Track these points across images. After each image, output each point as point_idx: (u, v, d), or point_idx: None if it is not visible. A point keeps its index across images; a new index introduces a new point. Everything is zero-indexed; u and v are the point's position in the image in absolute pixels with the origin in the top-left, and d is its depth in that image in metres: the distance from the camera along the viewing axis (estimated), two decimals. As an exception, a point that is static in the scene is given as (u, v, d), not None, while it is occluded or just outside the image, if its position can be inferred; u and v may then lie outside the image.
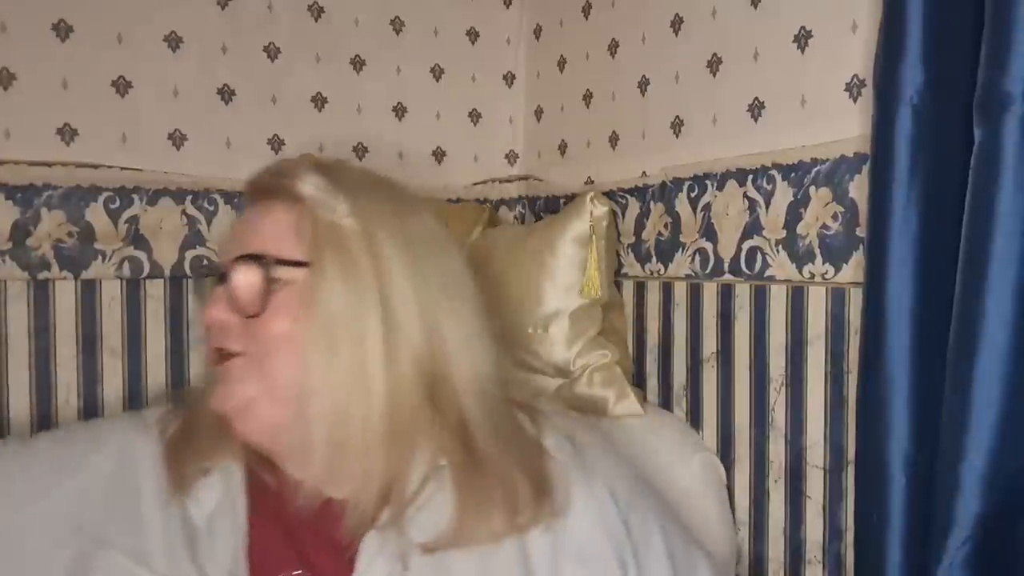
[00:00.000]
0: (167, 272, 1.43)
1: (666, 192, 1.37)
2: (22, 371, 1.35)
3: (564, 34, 1.63)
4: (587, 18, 1.55)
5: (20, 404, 1.35)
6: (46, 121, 1.38)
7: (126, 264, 1.41)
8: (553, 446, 0.86)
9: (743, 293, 1.23)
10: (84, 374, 1.38)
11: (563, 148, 1.63)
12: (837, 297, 1.09)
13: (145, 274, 1.41)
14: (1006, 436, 0.81)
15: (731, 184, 1.24)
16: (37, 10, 1.36)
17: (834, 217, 1.09)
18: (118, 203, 1.41)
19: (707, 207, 1.29)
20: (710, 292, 1.29)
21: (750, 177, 1.21)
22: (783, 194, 1.16)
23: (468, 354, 0.83)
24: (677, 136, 1.35)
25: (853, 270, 1.06)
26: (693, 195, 1.32)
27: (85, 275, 1.39)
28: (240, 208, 1.45)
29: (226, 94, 1.49)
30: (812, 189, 1.12)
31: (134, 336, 1.40)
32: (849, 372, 1.07)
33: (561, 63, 1.63)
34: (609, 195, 1.45)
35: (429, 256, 0.83)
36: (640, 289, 1.44)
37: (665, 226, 1.37)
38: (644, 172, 1.42)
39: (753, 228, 1.21)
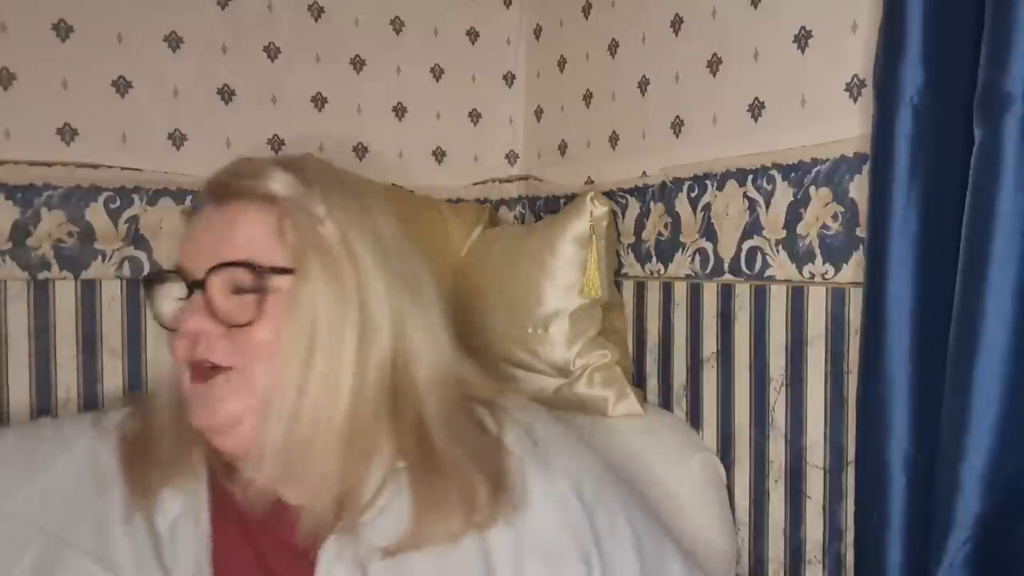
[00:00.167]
0: (167, 272, 1.43)
1: (666, 192, 1.37)
2: (22, 371, 1.35)
3: (564, 34, 1.63)
4: (587, 18, 1.55)
5: (20, 404, 1.35)
6: (46, 121, 1.38)
7: (126, 264, 1.41)
8: (512, 441, 0.85)
9: (743, 293, 1.23)
10: (84, 374, 1.38)
11: (563, 148, 1.63)
12: (837, 297, 1.09)
13: (145, 274, 1.41)
14: (1006, 436, 0.81)
15: (731, 184, 1.24)
16: (37, 10, 1.36)
17: (834, 217, 1.09)
18: (118, 203, 1.41)
19: (707, 207, 1.29)
20: (710, 292, 1.29)
21: (750, 177, 1.21)
22: (783, 194, 1.16)
23: (430, 353, 0.82)
24: (677, 136, 1.35)
25: (853, 270, 1.06)
26: (693, 195, 1.32)
27: (85, 275, 1.39)
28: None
29: (226, 94, 1.49)
30: (812, 189, 1.12)
31: (134, 336, 1.40)
32: (849, 372, 1.07)
33: (561, 63, 1.63)
34: (609, 195, 1.45)
35: (396, 254, 0.82)
36: (640, 289, 1.44)
37: (665, 226, 1.37)
38: (644, 172, 1.42)
39: (753, 228, 1.21)
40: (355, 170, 1.50)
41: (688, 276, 1.33)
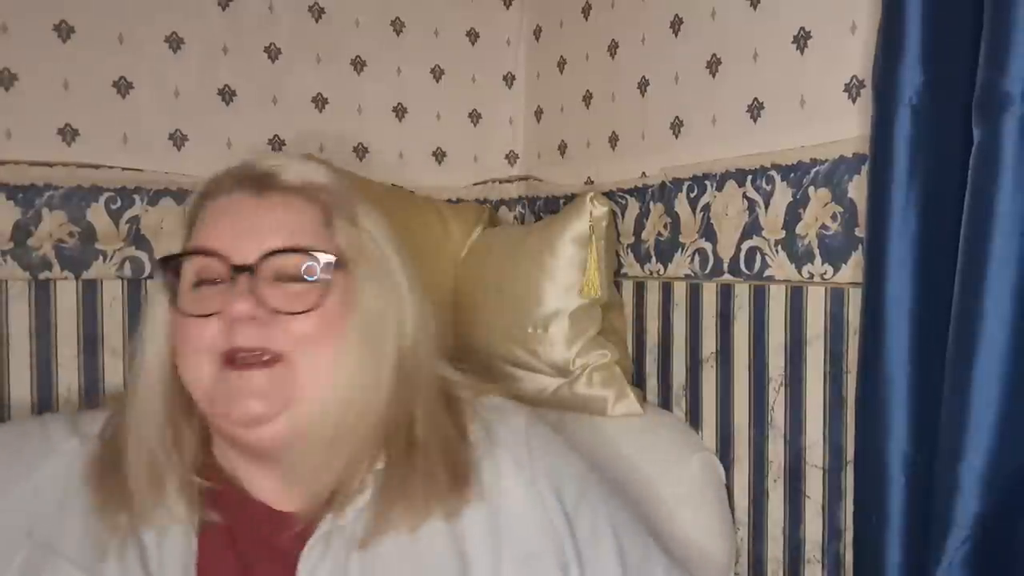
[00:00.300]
0: (168, 272, 1.43)
1: (666, 192, 1.37)
2: (23, 371, 1.35)
3: (564, 35, 1.63)
4: (587, 19, 1.56)
5: (21, 403, 1.35)
6: (47, 121, 1.38)
7: (127, 264, 1.42)
8: (478, 437, 0.85)
9: (742, 293, 1.23)
10: (85, 374, 1.38)
11: (563, 148, 1.64)
12: (836, 297, 1.09)
13: (146, 274, 1.41)
14: (1005, 436, 0.82)
15: (730, 184, 1.25)
16: (38, 11, 1.37)
17: (833, 217, 1.09)
18: (119, 203, 1.41)
19: (706, 207, 1.29)
20: (709, 292, 1.29)
21: (749, 177, 1.21)
22: (782, 194, 1.16)
23: (428, 347, 0.83)
24: (677, 136, 1.35)
25: (852, 270, 1.07)
26: (692, 195, 1.32)
27: (86, 275, 1.39)
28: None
29: (227, 94, 1.50)
30: (811, 189, 1.12)
31: (134, 335, 1.40)
32: (848, 372, 1.07)
33: (561, 64, 1.64)
34: (609, 195, 1.45)
35: (408, 256, 0.84)
36: (640, 289, 1.44)
37: (665, 226, 1.38)
38: (644, 172, 1.42)
39: (752, 228, 1.21)
40: (355, 170, 1.51)
41: (687, 276, 1.33)
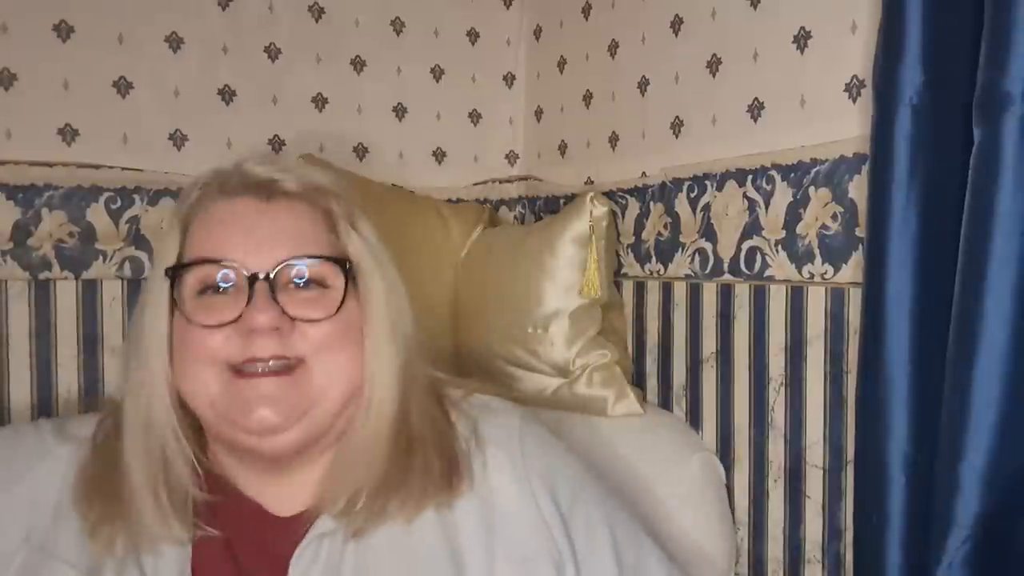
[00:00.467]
0: (168, 272, 1.43)
1: (666, 192, 1.37)
2: (23, 371, 1.35)
3: (564, 35, 1.63)
4: (587, 19, 1.56)
5: (21, 404, 1.35)
6: (47, 121, 1.38)
7: (127, 264, 1.42)
8: (464, 433, 0.85)
9: (743, 293, 1.23)
10: (85, 374, 1.38)
11: (563, 148, 1.64)
12: (836, 297, 1.09)
13: (146, 274, 1.41)
14: (1005, 436, 0.82)
15: (731, 184, 1.25)
16: (38, 11, 1.37)
17: (833, 217, 1.09)
18: (119, 203, 1.41)
19: (707, 207, 1.29)
20: (710, 292, 1.29)
21: (749, 177, 1.21)
22: (782, 194, 1.16)
23: (416, 337, 0.83)
24: (677, 136, 1.35)
25: (852, 270, 1.07)
26: (693, 195, 1.32)
27: (86, 275, 1.39)
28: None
29: (227, 94, 1.50)
30: (811, 189, 1.12)
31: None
32: (848, 372, 1.07)
33: (561, 63, 1.64)
34: (609, 195, 1.45)
35: (385, 243, 0.84)
36: (640, 289, 1.44)
37: (665, 226, 1.38)
38: (644, 172, 1.42)
39: (752, 228, 1.21)
40: (355, 170, 1.51)
41: (688, 276, 1.33)
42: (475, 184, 1.73)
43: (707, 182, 1.29)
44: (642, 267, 1.43)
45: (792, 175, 1.15)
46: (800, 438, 1.14)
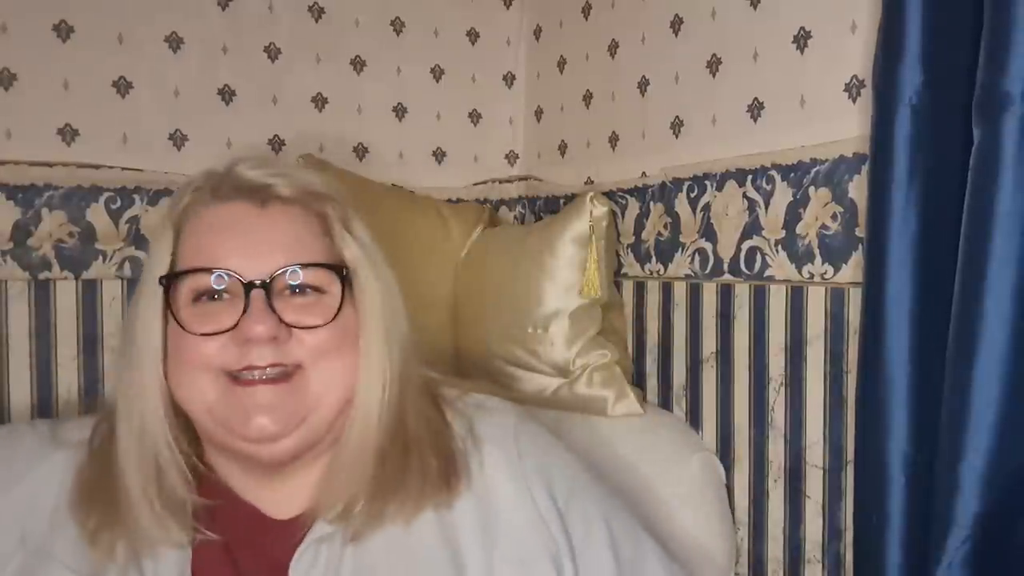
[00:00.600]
0: (168, 272, 1.43)
1: (666, 192, 1.37)
2: (23, 371, 1.35)
3: (564, 34, 1.63)
4: (587, 18, 1.56)
5: (21, 404, 1.35)
6: (47, 121, 1.38)
7: (127, 264, 1.42)
8: (460, 432, 0.85)
9: (743, 293, 1.23)
10: (85, 374, 1.38)
11: (563, 148, 1.64)
12: (836, 297, 1.09)
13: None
14: (1005, 436, 0.82)
15: (730, 184, 1.25)
16: (38, 11, 1.37)
17: (833, 217, 1.09)
18: (119, 203, 1.41)
19: (707, 207, 1.29)
20: (710, 292, 1.29)
21: (749, 177, 1.21)
22: (782, 194, 1.16)
23: (411, 339, 0.83)
24: (677, 136, 1.35)
25: (852, 270, 1.07)
26: (693, 195, 1.32)
27: (86, 275, 1.39)
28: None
29: (227, 94, 1.50)
30: (811, 189, 1.12)
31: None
32: (848, 372, 1.07)
33: (561, 63, 1.63)
34: (609, 195, 1.45)
35: (381, 246, 0.84)
36: (640, 289, 1.44)
37: (665, 226, 1.38)
38: (644, 172, 1.42)
39: (752, 228, 1.21)
40: (355, 170, 1.51)
41: (688, 276, 1.33)
42: (475, 184, 1.73)
43: (707, 182, 1.29)
44: (642, 267, 1.43)
45: (792, 175, 1.15)
46: (800, 438, 1.14)
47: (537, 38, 1.71)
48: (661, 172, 1.38)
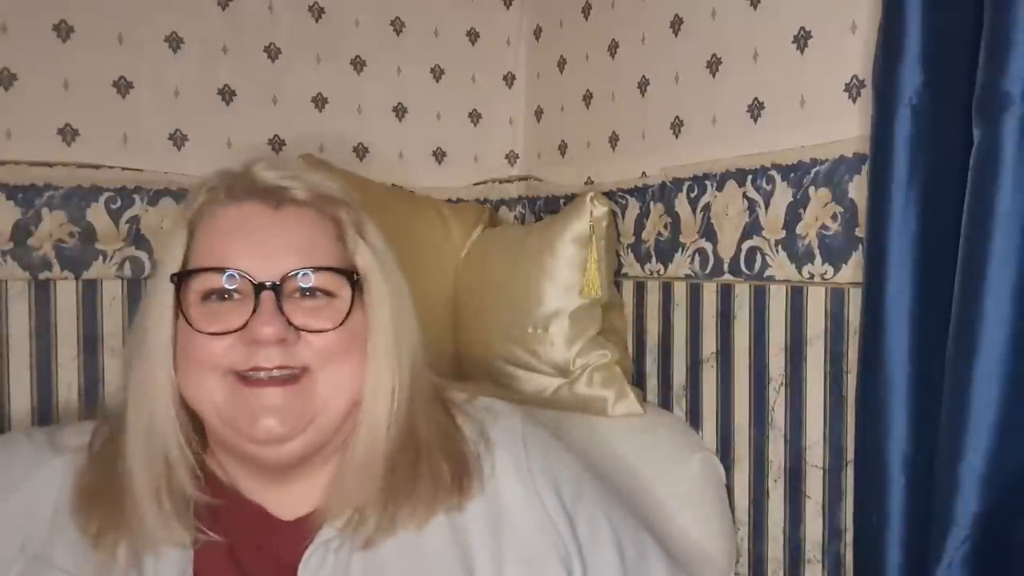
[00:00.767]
0: (168, 272, 1.43)
1: (666, 192, 1.37)
2: (23, 371, 1.35)
3: (564, 34, 1.63)
4: (587, 19, 1.56)
5: (21, 404, 1.35)
6: (47, 121, 1.38)
7: (127, 264, 1.42)
8: (473, 436, 0.85)
9: (743, 293, 1.23)
10: (85, 374, 1.38)
11: (563, 148, 1.64)
12: (836, 297, 1.09)
13: (146, 274, 1.41)
14: (1005, 436, 0.82)
15: (731, 184, 1.25)
16: (38, 11, 1.37)
17: (833, 217, 1.09)
18: (119, 203, 1.41)
19: (707, 207, 1.29)
20: (710, 292, 1.29)
21: (749, 177, 1.21)
22: (782, 194, 1.16)
23: (420, 345, 0.83)
24: (677, 136, 1.35)
25: (852, 270, 1.07)
26: (693, 195, 1.32)
27: (86, 275, 1.39)
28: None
29: (227, 94, 1.50)
30: (811, 189, 1.12)
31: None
32: (848, 372, 1.07)
33: (561, 63, 1.64)
34: (609, 195, 1.45)
35: (395, 255, 0.84)
36: (640, 289, 1.44)
37: (665, 226, 1.38)
38: (644, 172, 1.42)
39: (752, 228, 1.21)
40: (355, 170, 1.51)
41: (688, 276, 1.33)
42: (475, 184, 1.73)
43: (707, 182, 1.29)
44: (642, 267, 1.43)
45: (792, 175, 1.15)
46: (800, 438, 1.14)
47: (537, 38, 1.71)
48: (661, 172, 1.38)
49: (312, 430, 0.76)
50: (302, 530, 0.78)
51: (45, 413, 1.36)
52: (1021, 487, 0.82)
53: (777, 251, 1.17)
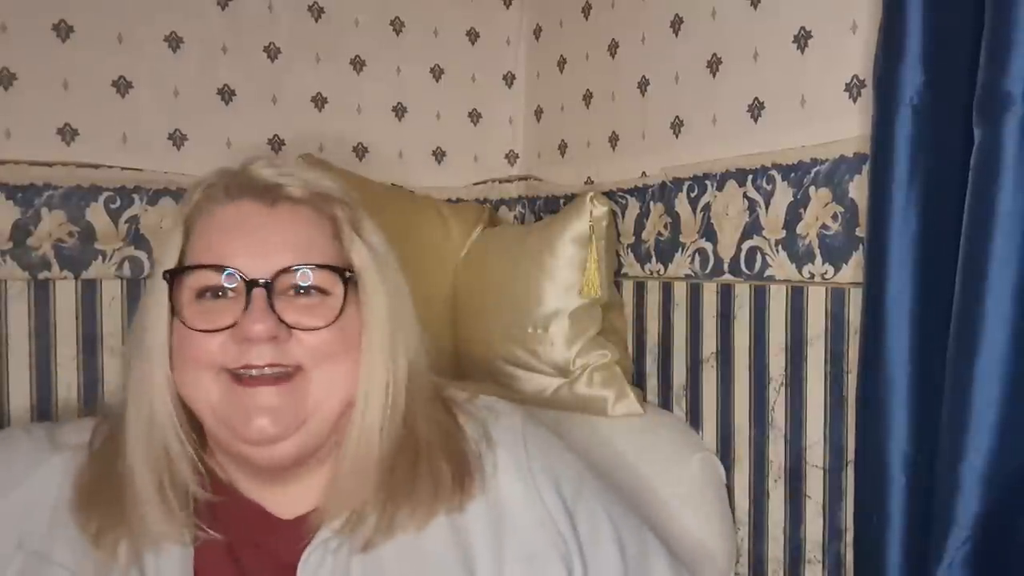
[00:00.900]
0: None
1: (666, 192, 1.37)
2: (23, 371, 1.35)
3: (564, 34, 1.63)
4: (587, 18, 1.55)
5: (21, 404, 1.35)
6: (47, 121, 1.38)
7: (127, 264, 1.41)
8: (474, 435, 0.85)
9: (743, 293, 1.23)
10: (85, 374, 1.38)
11: (563, 148, 1.64)
12: (837, 297, 1.09)
13: (145, 274, 1.41)
14: (1005, 436, 0.82)
15: (731, 184, 1.25)
16: (38, 10, 1.37)
17: (834, 217, 1.09)
18: (118, 203, 1.41)
19: (707, 207, 1.29)
20: (710, 292, 1.29)
21: (750, 177, 1.21)
22: (783, 194, 1.16)
23: (421, 344, 0.83)
24: (677, 136, 1.35)
25: (853, 270, 1.07)
26: (693, 195, 1.32)
27: (85, 275, 1.39)
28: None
29: (226, 94, 1.49)
30: (812, 189, 1.12)
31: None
32: (849, 372, 1.07)
33: (561, 63, 1.63)
34: (609, 195, 1.45)
35: (396, 254, 0.84)
36: (640, 289, 1.44)
37: (665, 226, 1.38)
38: (644, 172, 1.42)
39: (753, 228, 1.21)
40: (355, 170, 1.51)
41: (688, 276, 1.33)
42: (475, 184, 1.73)
43: (707, 182, 1.29)
44: (642, 267, 1.43)
45: (792, 175, 1.15)
46: (800, 438, 1.14)
47: (537, 38, 1.71)
48: (661, 172, 1.38)
49: (305, 431, 0.76)
50: (301, 529, 0.78)
51: (44, 413, 1.36)
52: (1022, 487, 0.82)
53: (777, 251, 1.17)
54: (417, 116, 1.66)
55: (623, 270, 1.47)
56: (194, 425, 0.79)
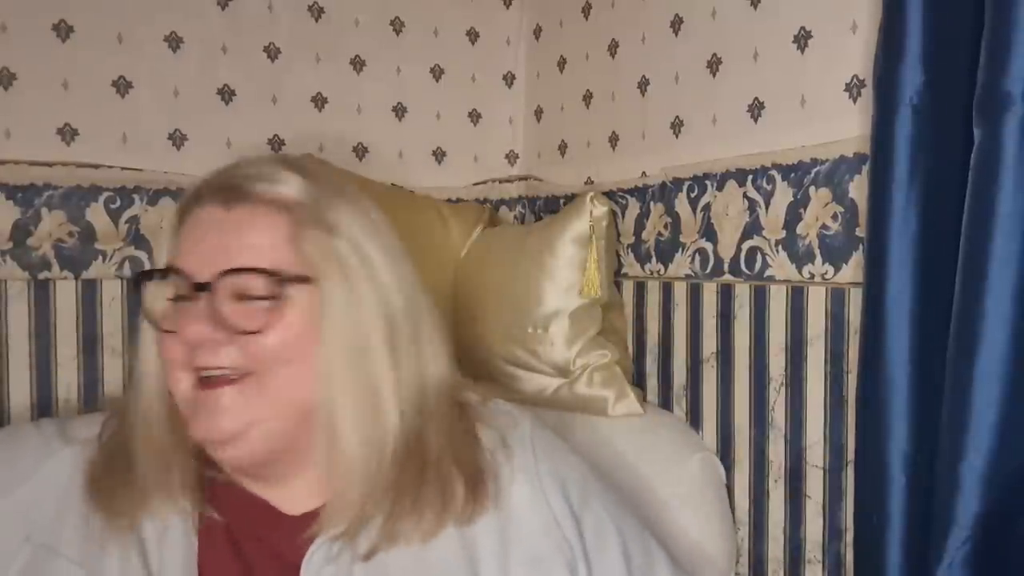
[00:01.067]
0: (167, 272, 1.43)
1: (666, 192, 1.37)
2: (23, 371, 1.35)
3: (564, 34, 1.63)
4: (587, 18, 1.56)
5: (21, 404, 1.35)
6: (47, 121, 1.38)
7: (127, 264, 1.41)
8: (489, 442, 0.84)
9: (743, 293, 1.23)
10: (85, 374, 1.38)
11: (563, 148, 1.64)
12: (837, 297, 1.09)
13: (139, 271, 1.41)
14: (1005, 436, 0.82)
15: (731, 184, 1.25)
16: (37, 10, 1.36)
17: (834, 217, 1.09)
18: (119, 203, 1.41)
19: (707, 207, 1.29)
20: (710, 292, 1.29)
21: (750, 177, 1.21)
22: (783, 194, 1.16)
23: (434, 352, 0.83)
24: (677, 136, 1.35)
25: (853, 270, 1.07)
26: (693, 195, 1.32)
27: (86, 275, 1.39)
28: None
29: (226, 94, 1.49)
30: (812, 189, 1.12)
31: (135, 336, 1.40)
32: (849, 372, 1.07)
33: (561, 63, 1.63)
34: (609, 195, 1.45)
35: (400, 254, 0.83)
36: (640, 289, 1.44)
37: (665, 226, 1.38)
38: (644, 172, 1.42)
39: (753, 228, 1.21)
40: (355, 170, 1.51)
41: (688, 276, 1.33)
42: (475, 184, 1.73)
43: (707, 182, 1.29)
44: (642, 267, 1.43)
45: (792, 175, 1.15)
46: (800, 438, 1.14)
47: (537, 38, 1.71)
48: (661, 172, 1.38)
49: (258, 435, 0.75)
50: (304, 527, 0.78)
51: (44, 413, 1.35)
52: (1022, 487, 0.82)
53: (777, 251, 1.17)
54: (417, 116, 1.66)
55: (623, 270, 1.47)
56: None
